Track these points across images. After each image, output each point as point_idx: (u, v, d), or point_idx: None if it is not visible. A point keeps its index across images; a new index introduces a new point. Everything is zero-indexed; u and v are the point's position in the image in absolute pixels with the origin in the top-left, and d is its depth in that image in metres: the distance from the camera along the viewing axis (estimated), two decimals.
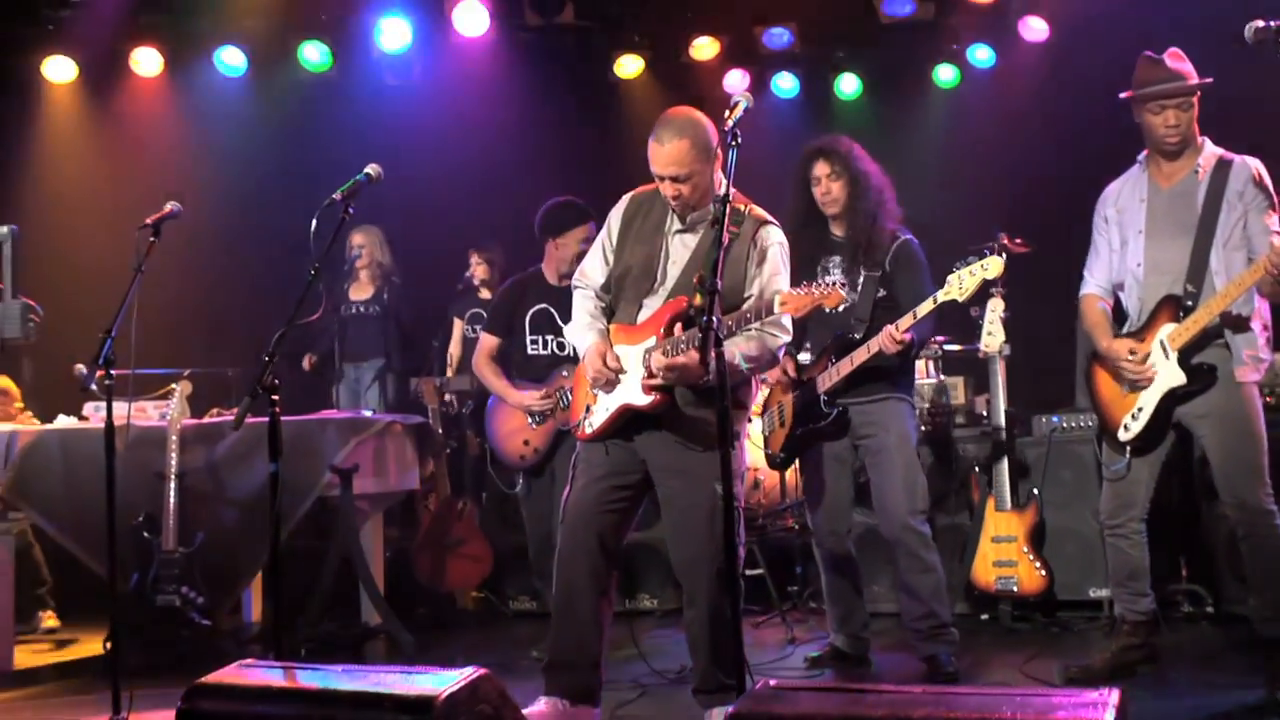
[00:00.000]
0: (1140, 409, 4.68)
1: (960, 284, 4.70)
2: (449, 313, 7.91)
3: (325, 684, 2.94)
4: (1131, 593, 4.84)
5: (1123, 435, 4.74)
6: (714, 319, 3.33)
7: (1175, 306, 4.63)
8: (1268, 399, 5.10)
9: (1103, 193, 4.96)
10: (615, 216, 4.42)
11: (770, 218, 4.32)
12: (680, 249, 4.27)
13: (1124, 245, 4.83)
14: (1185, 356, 4.60)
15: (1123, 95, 4.75)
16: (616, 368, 4.17)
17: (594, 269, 4.43)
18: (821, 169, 5.15)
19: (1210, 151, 4.74)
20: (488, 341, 5.89)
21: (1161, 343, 4.63)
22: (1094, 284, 4.93)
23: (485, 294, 7.72)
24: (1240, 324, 4.60)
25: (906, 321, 4.85)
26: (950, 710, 2.42)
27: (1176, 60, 4.69)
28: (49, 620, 7.14)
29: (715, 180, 4.19)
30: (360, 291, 7.94)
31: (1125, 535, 4.81)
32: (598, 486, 4.24)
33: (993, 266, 4.66)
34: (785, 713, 2.55)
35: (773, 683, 2.67)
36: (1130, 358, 4.66)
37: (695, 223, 4.25)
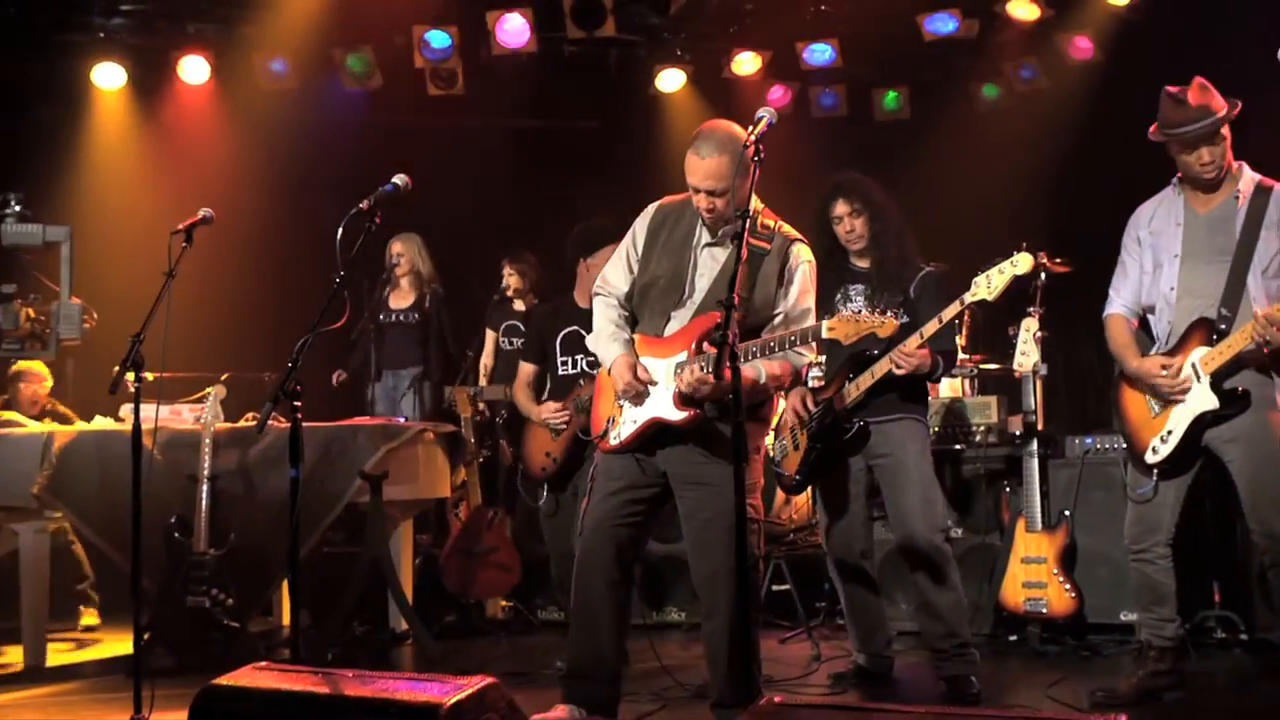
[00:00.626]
0: (1170, 432, 4.63)
1: (988, 283, 4.64)
2: (484, 324, 7.95)
3: (334, 689, 2.96)
4: (1157, 618, 4.78)
5: (1150, 458, 4.68)
6: (729, 334, 3.33)
7: (1208, 330, 4.58)
8: None
9: (1134, 213, 4.91)
10: (641, 226, 4.42)
11: (800, 236, 4.31)
12: (709, 262, 4.27)
13: (1157, 268, 4.77)
14: (1218, 380, 4.54)
15: (1151, 136, 4.70)
16: (647, 379, 4.18)
17: (617, 277, 4.43)
18: (842, 208, 5.14)
19: (1249, 177, 4.68)
20: (525, 369, 6.07)
21: (1194, 366, 4.57)
22: (1120, 304, 4.89)
23: (519, 305, 7.76)
24: None
25: (931, 327, 4.81)
26: None
27: (1200, 94, 4.61)
28: (89, 617, 7.23)
29: (744, 196, 4.20)
30: (400, 299, 7.99)
31: (1150, 560, 4.76)
32: (615, 499, 4.25)
33: (1022, 263, 4.58)
34: None
35: (778, 699, 2.66)
36: (1164, 372, 4.60)
37: (725, 236, 4.24)
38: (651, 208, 4.45)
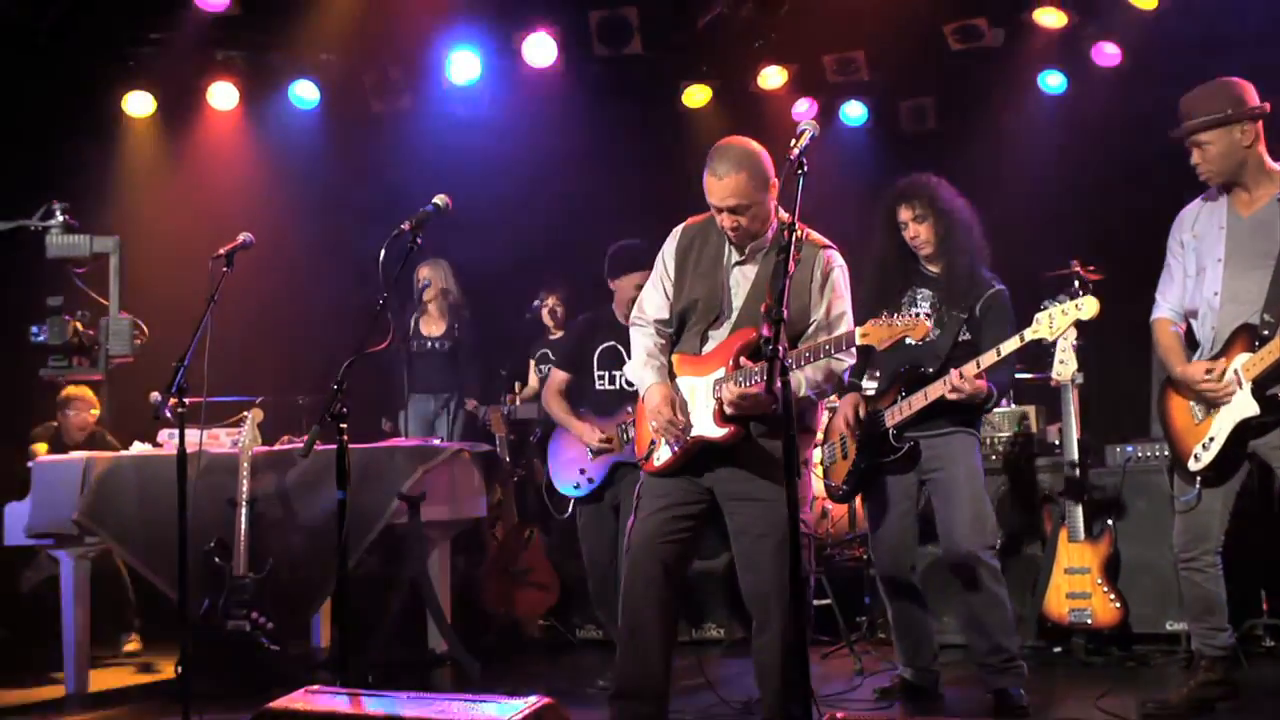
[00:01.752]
0: (1212, 439, 4.58)
1: (1051, 322, 4.55)
2: (527, 352, 7.96)
3: (390, 711, 2.95)
4: (1208, 627, 4.73)
5: (1193, 465, 4.64)
6: (780, 347, 3.31)
7: (1251, 336, 4.52)
8: None
9: (1178, 215, 4.86)
10: (669, 251, 4.39)
11: (829, 242, 4.29)
12: (741, 281, 4.25)
13: (1200, 273, 4.71)
14: (1260, 387, 4.49)
15: (1172, 135, 4.69)
16: (685, 423, 4.15)
17: (653, 305, 4.40)
18: (906, 213, 5.10)
19: None
20: (557, 376, 6.00)
21: (1236, 372, 4.52)
22: (1167, 308, 4.84)
23: (554, 335, 7.77)
24: None
25: (989, 359, 4.75)
26: None
27: (1195, 97, 4.61)
28: (132, 644, 7.25)
29: (772, 209, 4.17)
30: (431, 326, 8.00)
31: (1200, 569, 4.70)
32: (661, 516, 4.21)
33: (1087, 307, 4.48)
34: None
35: (840, 715, 2.64)
36: (1207, 377, 4.55)
37: (754, 252, 4.23)
38: (677, 231, 4.42)
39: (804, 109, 8.98)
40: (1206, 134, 4.57)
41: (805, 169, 3.58)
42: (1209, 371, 4.56)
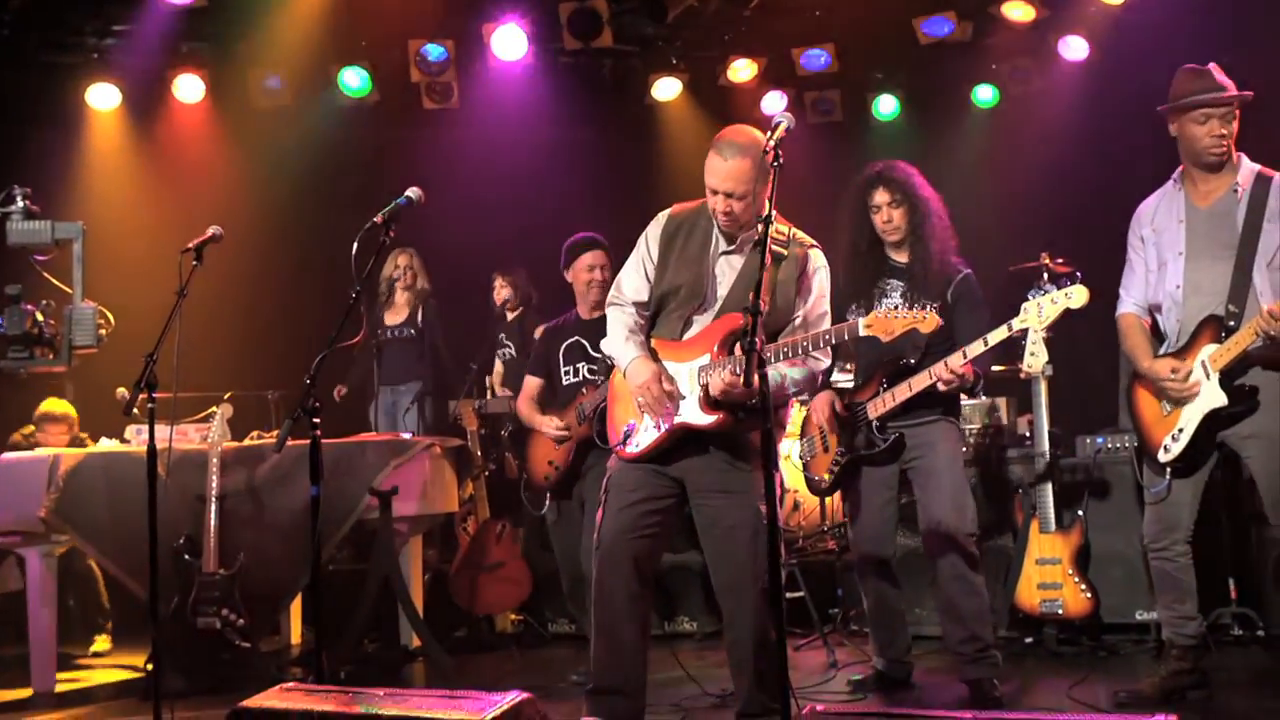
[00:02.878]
0: (1181, 430, 4.61)
1: (1040, 312, 4.51)
2: (492, 347, 7.93)
3: (368, 709, 2.92)
4: (1179, 616, 4.76)
5: (1163, 456, 4.66)
6: (757, 340, 3.29)
7: (1217, 327, 4.55)
8: None
9: (1137, 211, 4.88)
10: (654, 234, 4.36)
11: (814, 241, 4.29)
12: (727, 270, 4.23)
13: (1162, 266, 4.74)
14: (1228, 378, 4.53)
15: (1161, 108, 4.68)
16: (674, 391, 4.12)
17: (632, 286, 4.36)
18: (881, 197, 5.07)
19: (1248, 168, 4.66)
20: (530, 383, 6.04)
21: (1203, 363, 4.55)
22: (1131, 303, 4.86)
23: (509, 317, 7.77)
24: None
25: (976, 348, 4.72)
26: None
27: (1220, 73, 4.63)
28: (101, 643, 7.18)
29: (763, 202, 4.16)
30: (395, 315, 7.97)
31: (1170, 558, 4.73)
32: (632, 510, 4.18)
33: (1077, 296, 4.46)
34: None
35: (819, 708, 2.64)
36: (1172, 376, 4.58)
37: (743, 244, 4.21)
38: (663, 216, 4.40)
39: (773, 102, 9.00)
40: (1234, 106, 4.58)
41: (781, 161, 3.57)
42: (1174, 370, 4.58)
